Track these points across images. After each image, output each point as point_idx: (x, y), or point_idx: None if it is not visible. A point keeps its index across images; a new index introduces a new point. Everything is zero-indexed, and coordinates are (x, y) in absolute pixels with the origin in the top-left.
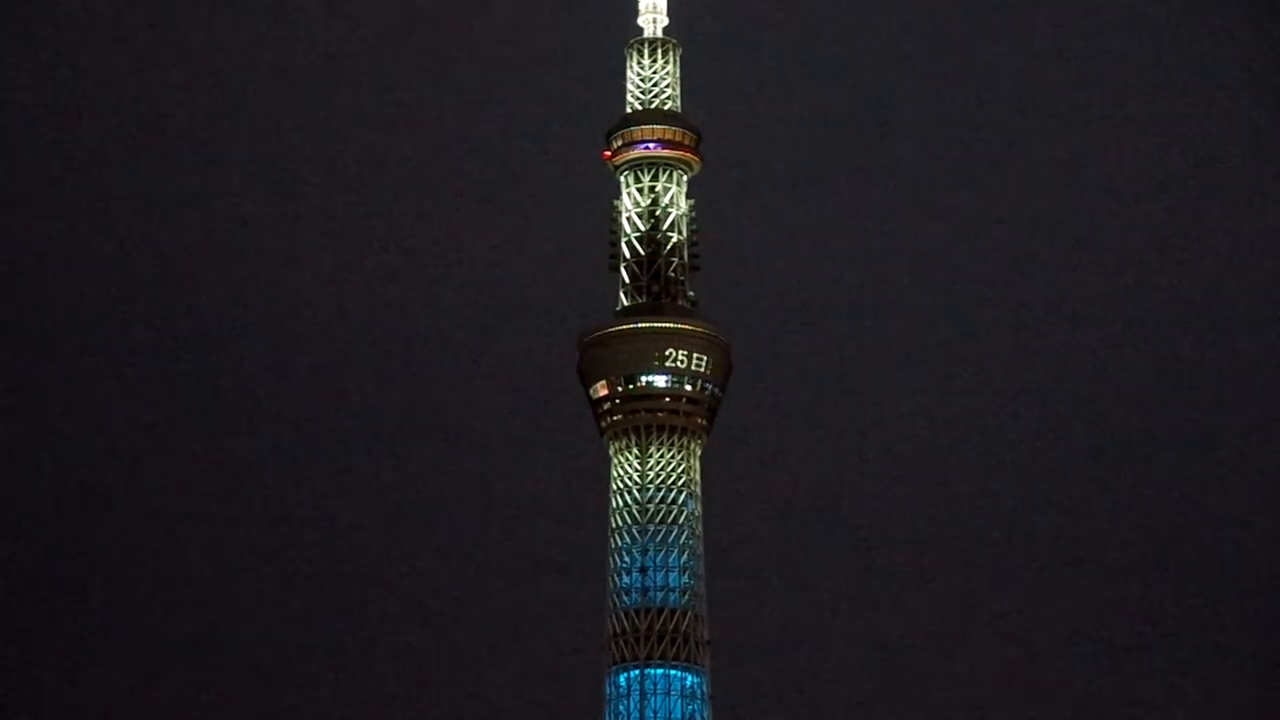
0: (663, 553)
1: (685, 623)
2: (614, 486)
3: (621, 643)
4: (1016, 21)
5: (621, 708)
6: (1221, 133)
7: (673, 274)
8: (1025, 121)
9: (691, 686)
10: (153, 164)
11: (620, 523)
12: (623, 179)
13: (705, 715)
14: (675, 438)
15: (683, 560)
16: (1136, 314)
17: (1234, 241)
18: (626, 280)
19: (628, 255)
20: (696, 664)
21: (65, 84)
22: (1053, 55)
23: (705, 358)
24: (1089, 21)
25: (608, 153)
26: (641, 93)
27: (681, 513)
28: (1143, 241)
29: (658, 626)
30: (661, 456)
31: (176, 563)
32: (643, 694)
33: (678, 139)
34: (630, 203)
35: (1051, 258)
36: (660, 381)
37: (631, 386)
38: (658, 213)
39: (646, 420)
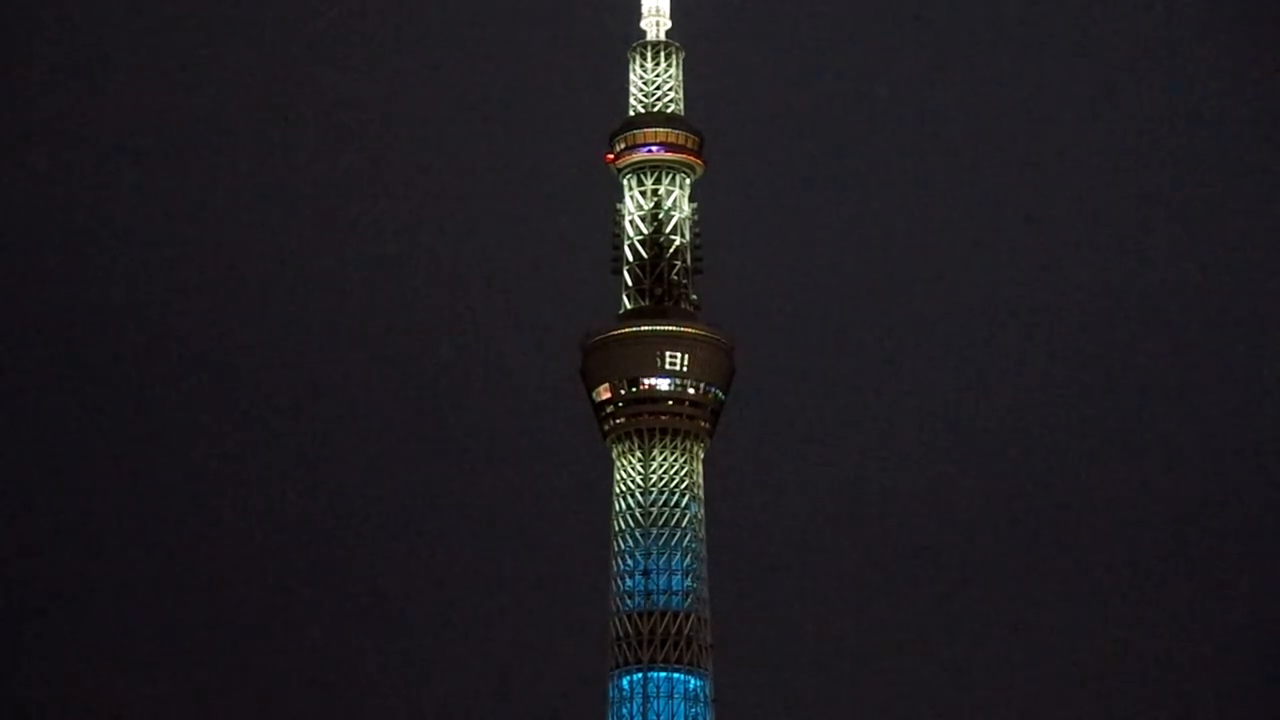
0: (665, 556)
1: (688, 626)
2: (617, 489)
3: (624, 646)
4: (1018, 23)
5: (624, 711)
6: (1226, 129)
7: (675, 277)
8: (1028, 121)
9: (694, 690)
10: (155, 166)
11: (623, 526)
12: (625, 182)
13: (708, 719)
14: (678, 440)
15: (685, 563)
16: (1144, 314)
17: (1243, 239)
18: (629, 283)
19: (630, 258)
20: (699, 667)
21: (65, 84)
22: (1056, 55)
23: (708, 360)
24: (1091, 22)
25: (611, 156)
26: (644, 96)
27: (684, 516)
28: (1154, 239)
29: (660, 630)
30: (664, 459)
31: (177, 566)
32: (645, 697)
33: (680, 142)
34: (633, 206)
35: (1058, 256)
36: (663, 384)
37: (634, 389)
38: (660, 216)
39: (649, 423)
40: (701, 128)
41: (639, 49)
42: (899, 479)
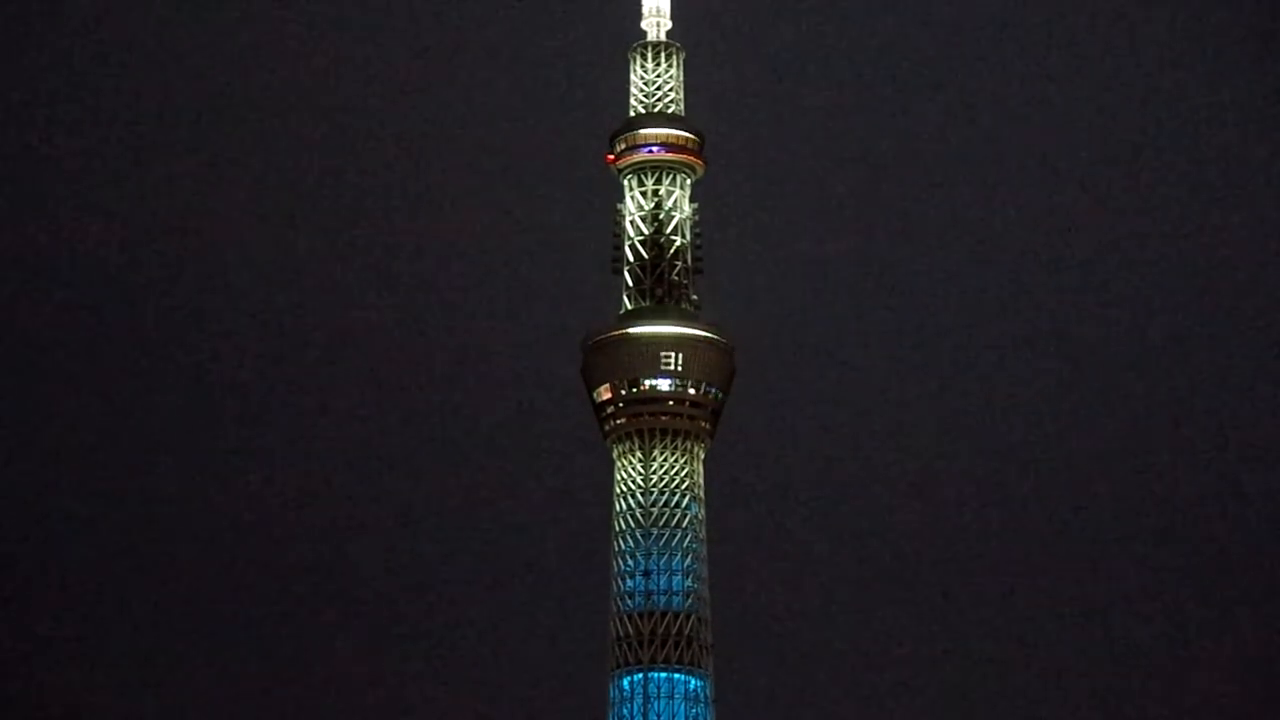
0: (666, 556)
1: (689, 626)
2: (617, 490)
3: (625, 646)
4: (1019, 24)
5: (625, 711)
6: (1226, 131)
7: (676, 277)
8: (1029, 122)
9: (695, 690)
10: (154, 164)
11: (623, 526)
12: (626, 182)
13: (709, 719)
14: (678, 441)
15: (686, 563)
16: (1144, 315)
17: (1243, 238)
18: (630, 283)
19: (631, 259)
20: (700, 667)
21: (66, 83)
22: (1056, 57)
23: (708, 361)
24: (1091, 24)
25: (611, 156)
26: (645, 96)
27: (685, 516)
28: (1156, 239)
29: (661, 630)
30: (665, 460)
31: (176, 567)
32: (646, 698)
33: (681, 142)
34: (634, 206)
35: (1058, 256)
36: (663, 385)
37: (635, 390)
38: (661, 216)
39: (650, 424)
40: (702, 128)
41: (639, 49)
42: (899, 479)
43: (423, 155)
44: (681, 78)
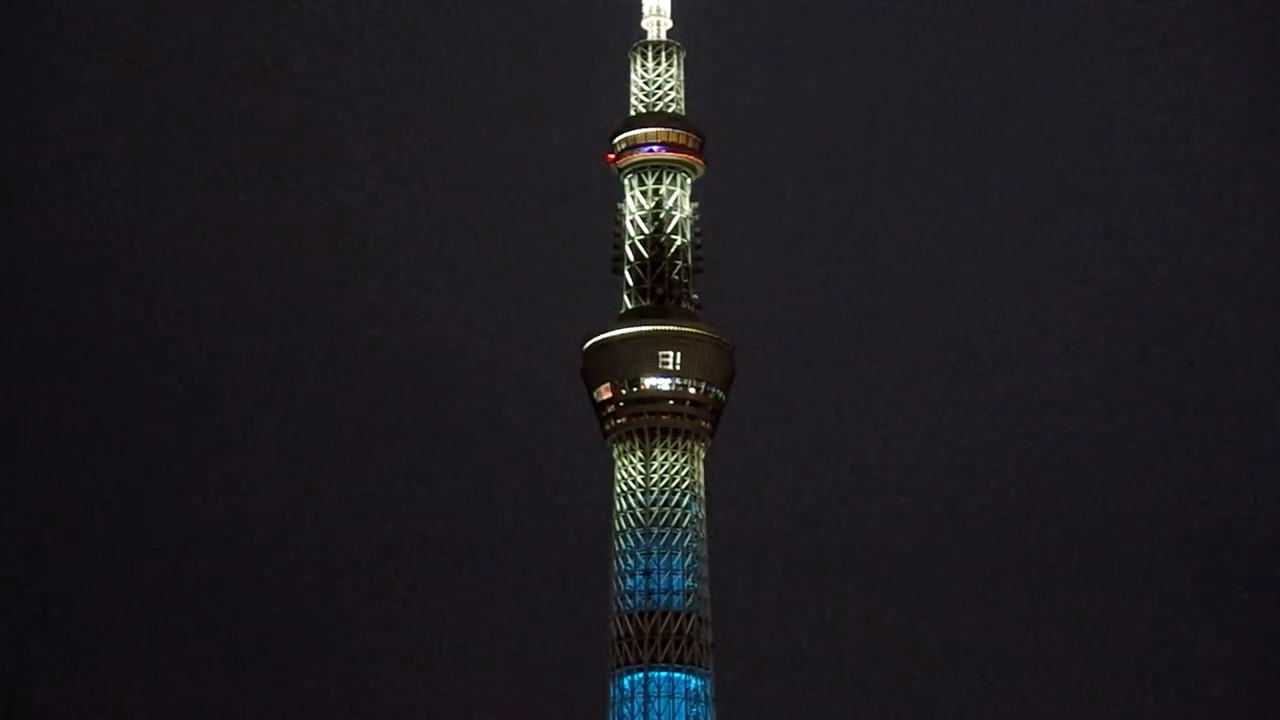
0: (666, 555)
1: (689, 626)
2: (617, 489)
3: (625, 646)
4: (1021, 25)
5: (625, 711)
6: (1226, 131)
7: (676, 277)
8: (1030, 123)
9: (695, 689)
10: (154, 164)
11: (624, 525)
12: (626, 182)
13: (709, 718)
14: (679, 440)
15: (686, 563)
16: (1144, 317)
17: (1243, 238)
18: (630, 283)
19: (631, 258)
20: (701, 667)
21: (64, 82)
22: (1060, 57)
23: (708, 360)
24: (1092, 25)
25: (611, 156)
26: (645, 96)
27: (685, 515)
28: (1154, 244)
29: (661, 629)
30: (665, 459)
31: (176, 569)
32: (646, 697)
33: (681, 142)
34: (634, 206)
35: (1059, 259)
36: (664, 384)
37: (635, 389)
38: (661, 216)
39: (650, 423)
40: (702, 128)
41: (640, 49)
42: (899, 479)
43: (422, 155)
44: (681, 77)
